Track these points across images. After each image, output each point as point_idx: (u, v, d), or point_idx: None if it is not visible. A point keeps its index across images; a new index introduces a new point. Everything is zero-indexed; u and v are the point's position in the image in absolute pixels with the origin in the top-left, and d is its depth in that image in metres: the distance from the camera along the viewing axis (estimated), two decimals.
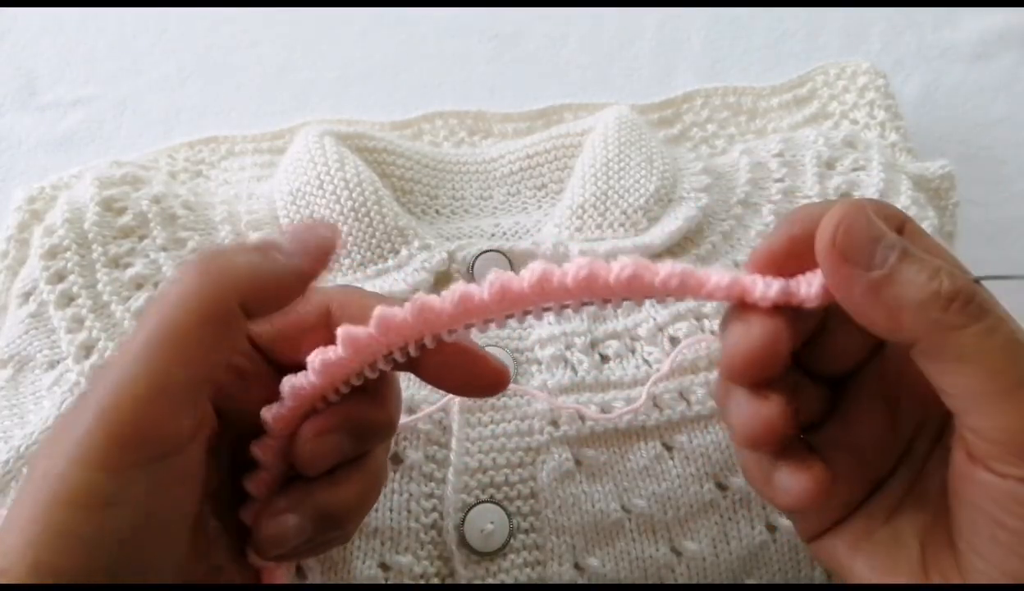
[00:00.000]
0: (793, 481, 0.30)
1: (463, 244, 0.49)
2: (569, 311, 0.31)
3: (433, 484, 0.41)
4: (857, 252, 0.27)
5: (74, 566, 0.25)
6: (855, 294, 0.27)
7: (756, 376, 0.29)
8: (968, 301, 0.26)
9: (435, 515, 0.40)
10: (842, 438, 0.32)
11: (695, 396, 0.43)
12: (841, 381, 0.32)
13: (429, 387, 0.35)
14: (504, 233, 0.51)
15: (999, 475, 0.26)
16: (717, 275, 0.29)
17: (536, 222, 0.51)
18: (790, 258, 0.29)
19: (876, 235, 0.27)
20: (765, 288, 0.29)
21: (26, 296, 0.46)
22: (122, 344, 0.28)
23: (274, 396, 0.31)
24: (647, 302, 0.46)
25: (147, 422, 0.26)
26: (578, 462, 0.41)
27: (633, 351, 0.45)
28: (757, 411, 0.29)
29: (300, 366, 0.31)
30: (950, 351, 0.26)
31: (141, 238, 0.47)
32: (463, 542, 0.40)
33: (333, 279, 0.47)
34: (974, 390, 0.26)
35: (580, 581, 0.40)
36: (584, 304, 0.30)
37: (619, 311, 0.46)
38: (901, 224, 0.29)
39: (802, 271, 0.29)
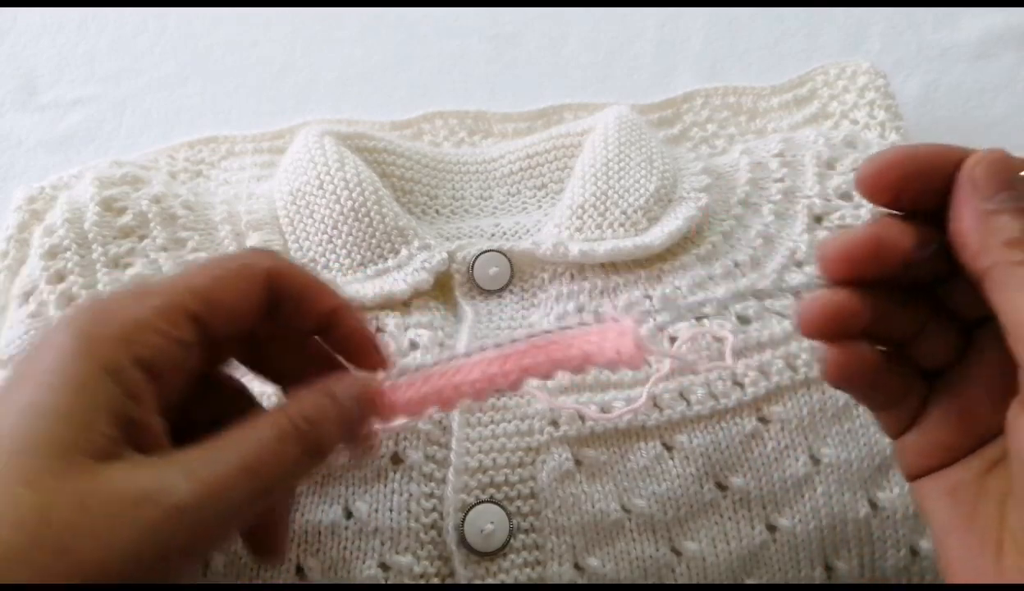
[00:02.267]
0: (837, 356, 0.31)
1: (463, 244, 0.49)
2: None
3: (433, 484, 0.41)
4: (988, 183, 0.29)
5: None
6: (968, 213, 0.29)
7: (845, 270, 0.31)
8: None
9: (435, 515, 0.40)
10: (960, 385, 0.32)
11: (695, 396, 0.43)
12: (976, 327, 0.33)
13: None
14: (504, 233, 0.51)
15: None
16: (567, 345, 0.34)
17: (536, 222, 0.51)
18: (925, 169, 0.31)
19: (1011, 181, 0.29)
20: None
21: (26, 296, 0.46)
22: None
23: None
24: (646, 302, 0.46)
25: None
26: (578, 462, 0.41)
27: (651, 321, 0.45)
28: (828, 295, 0.31)
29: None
30: (1014, 279, 0.28)
31: (141, 238, 0.47)
32: (463, 542, 0.40)
33: (332, 278, 0.47)
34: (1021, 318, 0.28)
35: (580, 581, 0.40)
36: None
37: (619, 311, 0.46)
38: None
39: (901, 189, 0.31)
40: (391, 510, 0.40)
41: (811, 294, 0.32)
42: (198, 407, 0.33)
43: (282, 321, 0.35)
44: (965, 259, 0.30)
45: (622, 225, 0.47)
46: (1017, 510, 0.28)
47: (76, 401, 0.27)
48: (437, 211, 0.53)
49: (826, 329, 0.31)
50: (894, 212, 0.31)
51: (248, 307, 0.33)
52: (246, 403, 0.37)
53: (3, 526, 0.25)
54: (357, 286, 0.46)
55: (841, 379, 0.32)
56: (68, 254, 0.46)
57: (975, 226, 0.29)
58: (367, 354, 0.37)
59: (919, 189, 0.31)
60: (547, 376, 0.34)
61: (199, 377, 0.33)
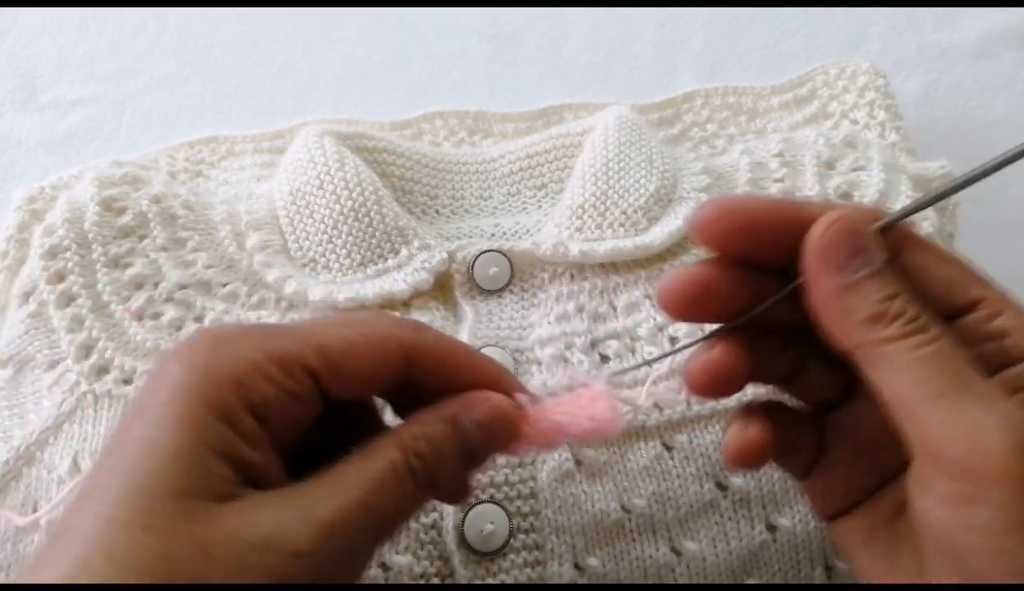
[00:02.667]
0: (727, 436, 0.32)
1: (463, 244, 0.49)
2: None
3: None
4: (839, 253, 0.29)
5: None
6: (820, 292, 0.29)
7: (682, 310, 0.31)
8: (912, 319, 0.28)
9: (435, 515, 0.40)
10: (853, 422, 0.32)
11: (695, 396, 0.43)
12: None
13: None
14: (504, 233, 0.51)
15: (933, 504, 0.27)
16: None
17: (536, 222, 0.51)
18: (763, 225, 0.31)
19: (859, 247, 0.29)
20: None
21: (26, 296, 0.46)
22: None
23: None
24: (646, 302, 0.46)
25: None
26: (578, 462, 0.41)
27: (633, 351, 0.45)
28: (704, 354, 0.32)
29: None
30: (884, 359, 0.28)
31: (141, 238, 0.47)
32: (463, 542, 0.40)
33: (332, 278, 0.47)
34: (901, 395, 0.28)
35: (580, 581, 0.40)
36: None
37: (619, 312, 0.46)
38: (902, 239, 0.31)
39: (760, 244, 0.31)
40: None
41: (690, 356, 0.32)
42: (318, 427, 0.32)
43: (414, 390, 0.32)
44: (828, 335, 0.29)
45: (622, 225, 0.47)
46: (938, 565, 0.28)
47: (190, 442, 0.27)
48: (437, 211, 0.53)
49: (712, 388, 0.32)
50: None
51: (377, 381, 0.31)
52: (369, 413, 0.35)
53: (127, 572, 0.24)
54: (357, 286, 0.46)
55: (741, 464, 0.32)
56: (68, 254, 0.46)
57: (833, 304, 0.29)
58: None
59: (755, 244, 0.31)
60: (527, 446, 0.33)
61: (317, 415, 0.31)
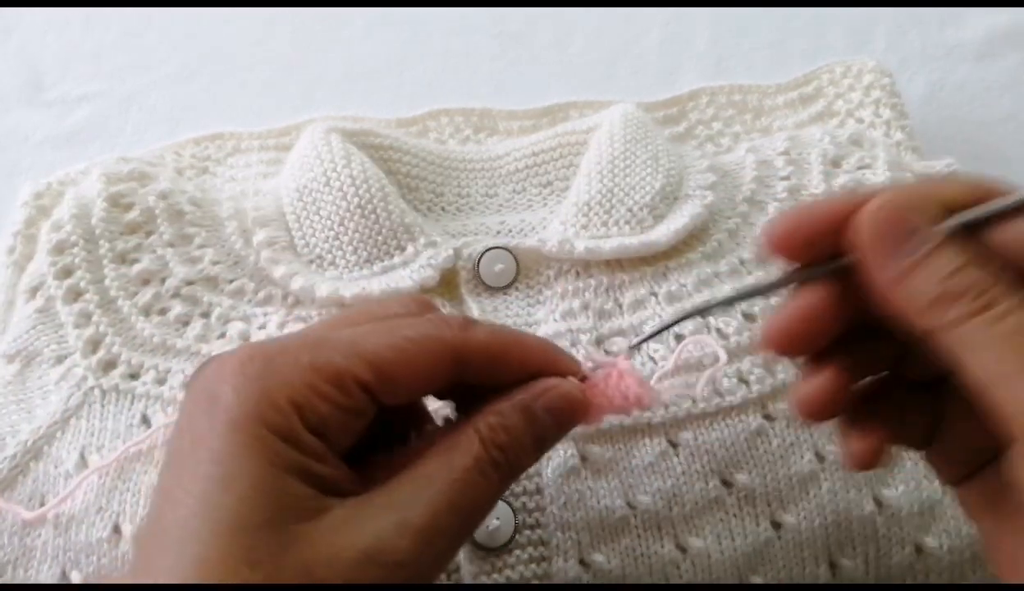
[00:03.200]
0: (851, 448, 0.31)
1: (469, 241, 0.49)
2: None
3: None
4: (884, 244, 0.28)
5: None
6: (879, 281, 0.28)
7: (789, 347, 0.31)
8: (981, 293, 0.26)
9: None
10: (963, 391, 0.31)
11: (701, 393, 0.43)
12: None
13: None
14: (510, 230, 0.51)
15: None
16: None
17: (542, 219, 0.52)
18: (821, 226, 0.30)
19: (911, 226, 0.27)
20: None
21: (33, 291, 0.46)
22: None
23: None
24: (651, 299, 0.46)
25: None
26: (583, 458, 0.41)
27: (639, 349, 0.45)
28: (808, 383, 0.31)
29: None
30: (955, 343, 0.27)
31: (148, 234, 0.48)
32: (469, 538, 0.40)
33: (339, 275, 0.47)
34: (983, 377, 0.26)
35: (585, 577, 0.40)
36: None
37: (625, 309, 0.46)
38: (967, 196, 0.29)
39: (823, 245, 0.30)
40: None
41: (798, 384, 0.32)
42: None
43: (468, 381, 0.32)
44: (899, 323, 0.28)
45: (628, 223, 0.47)
46: None
47: (265, 469, 0.26)
48: (443, 208, 0.53)
49: (822, 413, 0.31)
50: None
51: (429, 385, 0.31)
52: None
53: None
54: (363, 282, 0.46)
55: (812, 415, 0.32)
56: (75, 249, 0.46)
57: (894, 292, 0.28)
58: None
59: (836, 246, 0.29)
60: None
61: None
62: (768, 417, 0.43)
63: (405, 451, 0.31)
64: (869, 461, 0.31)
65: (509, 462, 0.30)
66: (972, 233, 0.28)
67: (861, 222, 0.28)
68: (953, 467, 0.32)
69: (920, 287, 0.27)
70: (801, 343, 0.31)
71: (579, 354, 0.44)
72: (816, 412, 0.31)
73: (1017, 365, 0.26)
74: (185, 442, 0.28)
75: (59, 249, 0.46)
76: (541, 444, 0.32)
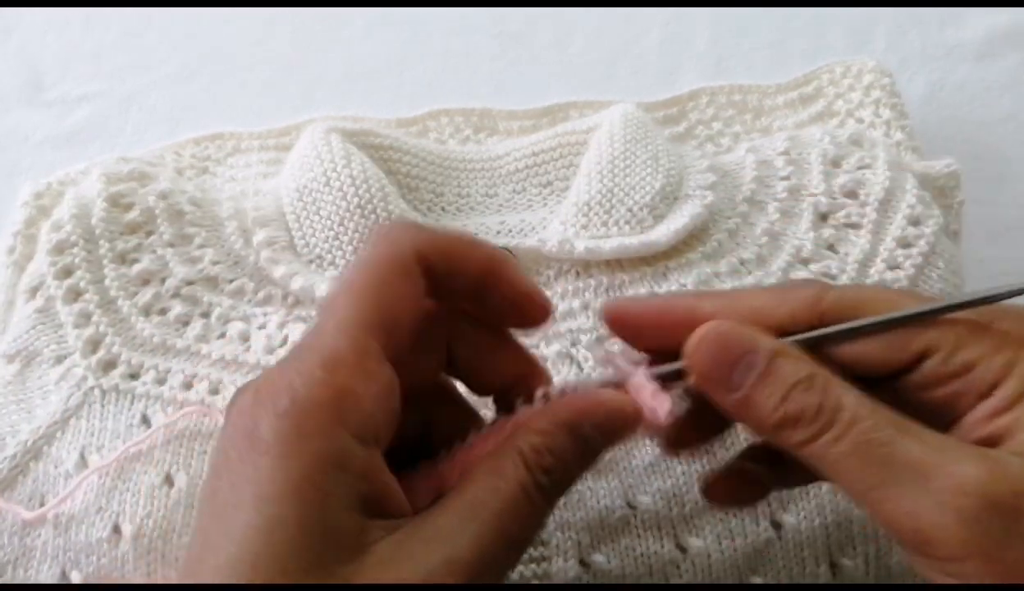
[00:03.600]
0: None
1: None
2: None
3: None
4: (717, 375, 0.28)
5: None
6: (723, 408, 0.29)
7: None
8: (816, 414, 0.27)
9: None
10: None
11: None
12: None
13: None
14: (510, 230, 0.51)
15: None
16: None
17: (542, 220, 0.52)
18: (654, 326, 0.31)
19: (732, 358, 0.28)
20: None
21: (33, 291, 0.46)
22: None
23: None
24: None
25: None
26: None
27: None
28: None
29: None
30: (810, 464, 0.27)
31: (148, 234, 0.48)
32: None
33: (339, 276, 0.47)
34: (850, 492, 0.27)
35: (585, 577, 0.40)
36: None
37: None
38: (799, 316, 0.29)
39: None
40: None
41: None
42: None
43: (440, 295, 0.31)
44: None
45: (628, 223, 0.47)
46: None
47: (312, 510, 0.25)
48: (443, 208, 0.53)
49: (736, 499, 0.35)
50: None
51: (417, 305, 0.30)
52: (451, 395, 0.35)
53: None
54: None
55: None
56: (75, 249, 0.46)
57: (740, 417, 0.28)
58: (529, 309, 0.32)
59: (662, 343, 0.30)
60: None
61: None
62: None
63: (451, 458, 0.30)
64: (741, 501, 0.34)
65: (555, 484, 0.29)
66: (812, 350, 0.28)
67: (690, 353, 0.28)
68: None
69: (760, 413, 0.28)
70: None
71: (578, 355, 0.44)
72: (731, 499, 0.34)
73: (869, 479, 0.26)
74: (223, 482, 0.27)
75: (59, 249, 0.46)
76: (589, 461, 0.30)
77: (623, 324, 0.31)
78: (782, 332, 0.29)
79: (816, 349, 0.29)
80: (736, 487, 0.34)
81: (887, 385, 0.29)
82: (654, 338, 0.31)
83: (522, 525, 0.28)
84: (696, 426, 0.33)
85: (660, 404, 0.30)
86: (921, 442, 0.26)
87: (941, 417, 0.28)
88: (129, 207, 0.48)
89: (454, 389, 0.35)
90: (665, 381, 0.31)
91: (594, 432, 0.30)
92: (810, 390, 0.27)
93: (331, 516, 0.25)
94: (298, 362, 0.28)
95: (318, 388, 0.26)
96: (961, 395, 0.28)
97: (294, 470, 0.25)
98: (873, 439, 0.26)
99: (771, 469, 0.34)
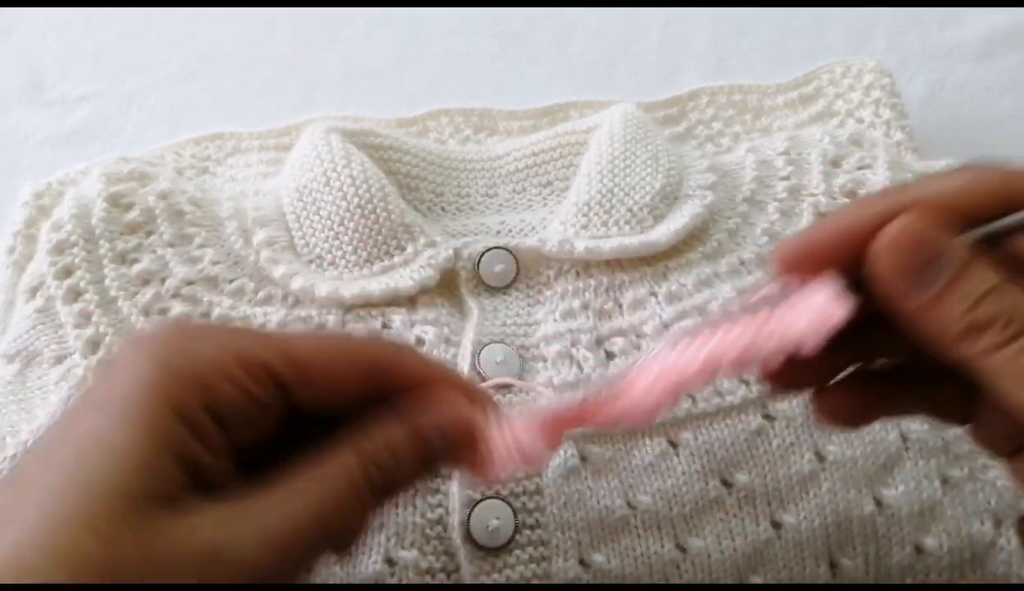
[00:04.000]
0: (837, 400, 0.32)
1: (469, 241, 0.49)
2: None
3: (439, 479, 0.41)
4: (911, 269, 0.27)
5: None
6: (902, 314, 0.27)
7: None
8: (1009, 322, 0.26)
9: (440, 510, 0.40)
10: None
11: (701, 393, 0.43)
12: None
13: None
14: (510, 230, 0.51)
15: None
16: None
17: (542, 219, 0.52)
18: (829, 252, 0.29)
19: (932, 253, 0.27)
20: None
21: (33, 291, 0.46)
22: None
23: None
24: (651, 300, 0.46)
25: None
26: (583, 458, 0.41)
27: (638, 348, 0.45)
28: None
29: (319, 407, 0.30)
30: (989, 374, 0.26)
31: (148, 234, 0.48)
32: (468, 537, 0.40)
33: (339, 275, 0.47)
34: (1020, 406, 0.26)
35: (585, 577, 0.40)
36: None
37: (625, 309, 0.46)
38: (987, 198, 0.28)
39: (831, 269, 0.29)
40: (397, 505, 0.40)
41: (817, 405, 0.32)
42: (289, 439, 0.30)
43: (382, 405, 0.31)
44: (927, 351, 0.28)
45: (628, 222, 0.47)
46: None
47: (147, 442, 0.25)
48: (443, 208, 0.53)
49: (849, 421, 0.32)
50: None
51: (346, 392, 0.30)
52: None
53: (64, 571, 0.23)
54: (363, 282, 0.46)
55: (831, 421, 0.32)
56: (75, 249, 0.46)
57: (919, 325, 0.27)
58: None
59: (840, 264, 0.28)
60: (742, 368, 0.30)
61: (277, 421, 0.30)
62: (768, 417, 0.43)
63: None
64: (853, 420, 0.32)
65: (385, 481, 0.29)
66: (995, 242, 0.27)
67: (879, 252, 0.27)
68: (998, 442, 0.32)
69: (946, 318, 0.26)
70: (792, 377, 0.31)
71: (578, 355, 0.44)
72: (840, 415, 0.31)
73: None
74: (81, 401, 0.28)
75: (59, 249, 0.46)
76: (427, 466, 0.30)
77: (805, 262, 0.30)
78: (969, 223, 0.28)
79: (1000, 241, 0.28)
80: (853, 401, 0.32)
81: None
82: (839, 260, 0.29)
83: (340, 513, 0.28)
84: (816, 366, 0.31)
85: (532, 451, 0.30)
86: None
87: None
88: (129, 207, 0.48)
89: None
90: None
91: (434, 434, 0.30)
92: (1002, 297, 0.26)
93: (165, 460, 0.26)
94: (211, 330, 0.29)
95: (206, 351, 0.27)
96: None
97: (151, 402, 0.26)
98: None
99: (884, 390, 0.33)
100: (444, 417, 0.30)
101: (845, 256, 0.29)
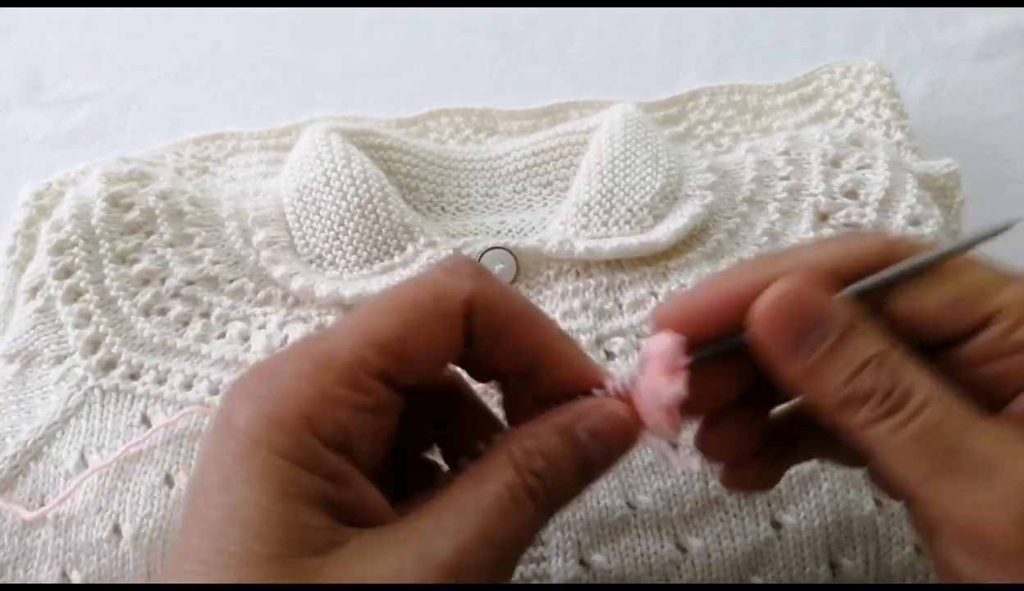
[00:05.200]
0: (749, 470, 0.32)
1: (469, 241, 0.49)
2: None
3: None
4: (791, 334, 0.26)
5: None
6: (782, 379, 0.27)
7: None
8: (888, 393, 0.25)
9: None
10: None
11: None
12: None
13: None
14: (510, 230, 0.51)
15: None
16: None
17: (542, 219, 0.52)
18: (712, 313, 0.28)
19: (807, 324, 0.26)
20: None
21: (33, 291, 0.46)
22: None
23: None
24: (651, 299, 0.46)
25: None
26: None
27: (638, 348, 0.45)
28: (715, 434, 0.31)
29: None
30: (865, 446, 0.26)
31: (148, 234, 0.48)
32: None
33: (339, 275, 0.47)
34: (900, 481, 0.26)
35: (585, 577, 0.40)
36: None
37: (625, 309, 0.46)
38: (905, 249, 0.28)
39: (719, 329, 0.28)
40: None
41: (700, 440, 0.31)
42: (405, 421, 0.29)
43: (479, 355, 0.29)
44: (810, 413, 0.27)
45: (628, 222, 0.47)
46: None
47: (274, 500, 0.24)
48: (443, 208, 0.53)
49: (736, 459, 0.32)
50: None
51: (445, 350, 0.28)
52: (467, 413, 0.32)
53: None
54: (363, 282, 0.46)
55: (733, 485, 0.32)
56: (75, 249, 0.46)
57: (800, 390, 0.27)
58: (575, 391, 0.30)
59: (722, 331, 0.28)
60: None
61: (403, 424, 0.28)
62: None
63: (445, 480, 0.28)
64: (765, 483, 0.32)
65: (547, 490, 0.27)
66: (873, 299, 0.27)
67: (758, 316, 0.26)
68: (890, 489, 0.31)
69: (827, 386, 0.26)
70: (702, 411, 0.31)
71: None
72: (729, 456, 0.31)
73: (931, 468, 0.25)
74: (206, 468, 0.26)
75: (59, 249, 0.46)
76: (586, 471, 0.28)
77: (682, 325, 0.29)
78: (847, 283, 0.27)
79: (879, 302, 0.27)
80: (758, 470, 0.32)
81: (942, 355, 0.27)
82: (717, 325, 0.29)
83: (508, 528, 0.26)
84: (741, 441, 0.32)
85: (670, 384, 0.27)
86: (988, 434, 0.25)
87: (989, 396, 0.26)
88: (129, 207, 0.48)
89: (469, 391, 0.33)
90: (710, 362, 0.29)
91: (589, 439, 0.28)
92: (882, 368, 0.26)
93: (297, 509, 0.24)
94: (290, 356, 0.27)
95: (298, 383, 0.26)
96: (1015, 374, 0.26)
97: (260, 457, 0.25)
98: (941, 427, 0.25)
99: (787, 449, 0.33)
100: (597, 420, 0.28)
101: (723, 320, 0.28)
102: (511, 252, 0.48)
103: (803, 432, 0.32)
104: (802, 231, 0.48)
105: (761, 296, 0.26)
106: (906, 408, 0.25)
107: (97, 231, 0.47)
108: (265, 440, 0.25)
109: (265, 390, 0.26)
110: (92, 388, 0.44)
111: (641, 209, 0.48)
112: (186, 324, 0.46)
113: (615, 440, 0.28)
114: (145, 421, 0.43)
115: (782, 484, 0.41)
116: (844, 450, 0.30)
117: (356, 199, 0.47)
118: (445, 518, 0.26)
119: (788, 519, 0.41)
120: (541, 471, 0.27)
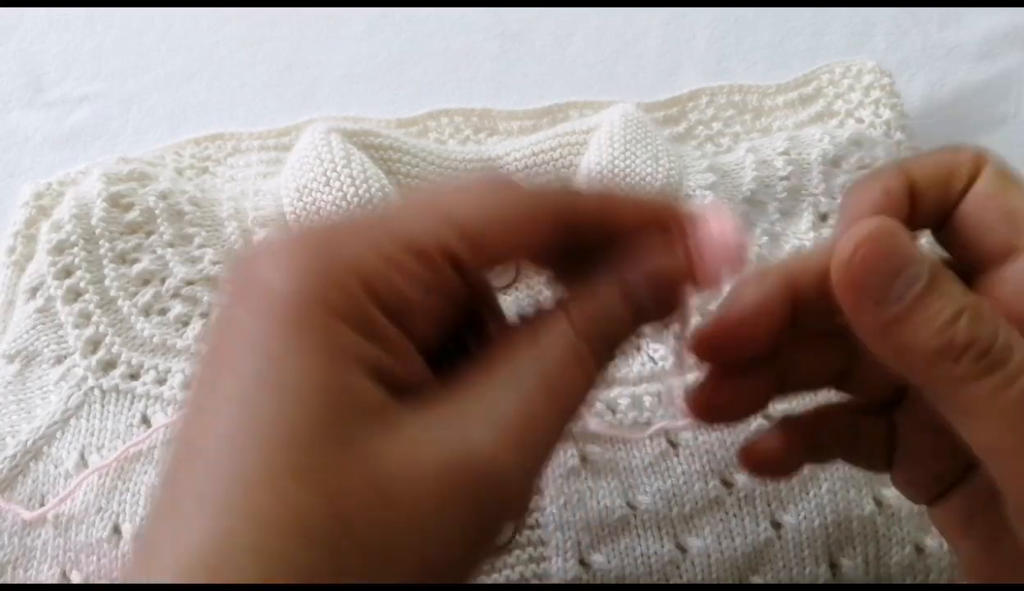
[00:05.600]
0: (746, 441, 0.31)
1: None
2: None
3: None
4: (872, 283, 0.24)
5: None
6: (865, 330, 0.25)
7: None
8: (984, 352, 0.23)
9: None
10: (922, 413, 0.28)
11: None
12: None
13: None
14: None
15: None
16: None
17: None
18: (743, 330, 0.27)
19: (897, 266, 0.24)
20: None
21: (33, 291, 0.46)
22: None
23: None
24: None
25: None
26: (583, 458, 0.42)
27: (639, 348, 0.45)
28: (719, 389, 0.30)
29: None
30: (959, 404, 0.24)
31: (148, 234, 0.48)
32: None
33: None
34: (987, 445, 0.24)
35: (584, 577, 0.40)
36: None
37: None
38: (973, 170, 0.26)
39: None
40: None
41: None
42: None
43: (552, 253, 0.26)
44: (891, 371, 0.25)
45: None
46: None
47: (323, 365, 0.20)
48: None
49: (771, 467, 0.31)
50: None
51: (525, 253, 0.26)
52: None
53: (284, 535, 0.18)
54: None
55: (757, 469, 0.31)
56: (75, 250, 0.46)
57: (884, 342, 0.24)
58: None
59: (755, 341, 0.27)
60: None
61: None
62: (768, 417, 0.42)
63: (487, 347, 0.25)
64: (779, 469, 0.31)
65: (605, 338, 0.25)
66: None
67: (839, 263, 0.24)
68: (920, 489, 0.30)
69: (916, 336, 0.23)
70: (732, 348, 0.28)
71: None
72: (726, 415, 0.30)
73: (1019, 442, 0.23)
74: (223, 344, 0.22)
75: (59, 249, 0.46)
76: (639, 321, 0.26)
77: (718, 349, 0.28)
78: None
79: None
80: (779, 451, 0.31)
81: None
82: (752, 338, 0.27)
83: (570, 387, 0.24)
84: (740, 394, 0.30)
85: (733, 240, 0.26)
86: None
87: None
88: (129, 207, 0.48)
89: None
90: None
91: (639, 278, 0.26)
92: (979, 319, 0.23)
93: (352, 377, 0.21)
94: (342, 219, 0.24)
95: (356, 241, 0.22)
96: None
97: (308, 320, 0.21)
98: None
99: (811, 446, 0.32)
100: (649, 269, 0.26)
101: (763, 326, 0.27)
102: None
103: (830, 431, 0.32)
104: (802, 231, 0.48)
105: (846, 235, 0.24)
106: (1008, 366, 0.23)
107: (97, 231, 0.47)
108: (317, 296, 0.21)
109: (320, 242, 0.22)
110: (92, 388, 0.44)
111: None
112: (186, 324, 0.46)
113: (666, 289, 0.26)
114: (145, 421, 0.43)
115: (782, 484, 0.41)
116: (866, 451, 0.30)
117: (356, 199, 0.47)
118: (506, 382, 0.23)
119: (788, 519, 0.41)
120: (598, 318, 0.25)
